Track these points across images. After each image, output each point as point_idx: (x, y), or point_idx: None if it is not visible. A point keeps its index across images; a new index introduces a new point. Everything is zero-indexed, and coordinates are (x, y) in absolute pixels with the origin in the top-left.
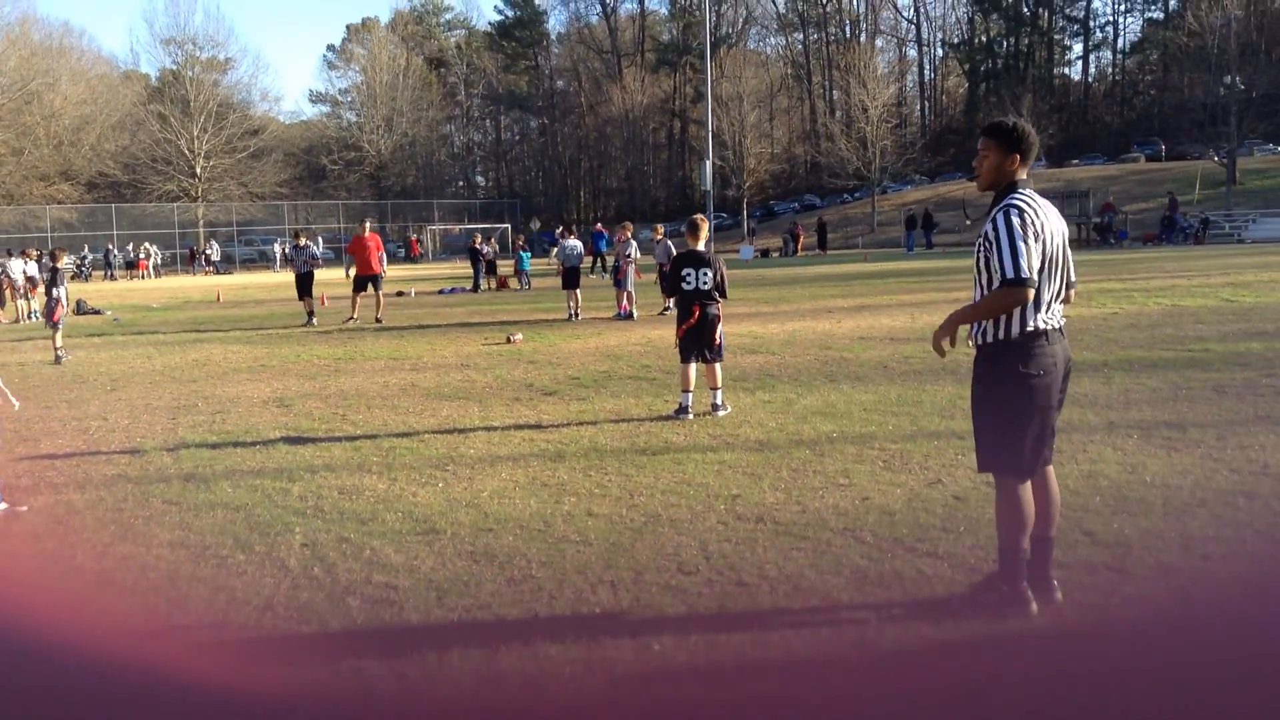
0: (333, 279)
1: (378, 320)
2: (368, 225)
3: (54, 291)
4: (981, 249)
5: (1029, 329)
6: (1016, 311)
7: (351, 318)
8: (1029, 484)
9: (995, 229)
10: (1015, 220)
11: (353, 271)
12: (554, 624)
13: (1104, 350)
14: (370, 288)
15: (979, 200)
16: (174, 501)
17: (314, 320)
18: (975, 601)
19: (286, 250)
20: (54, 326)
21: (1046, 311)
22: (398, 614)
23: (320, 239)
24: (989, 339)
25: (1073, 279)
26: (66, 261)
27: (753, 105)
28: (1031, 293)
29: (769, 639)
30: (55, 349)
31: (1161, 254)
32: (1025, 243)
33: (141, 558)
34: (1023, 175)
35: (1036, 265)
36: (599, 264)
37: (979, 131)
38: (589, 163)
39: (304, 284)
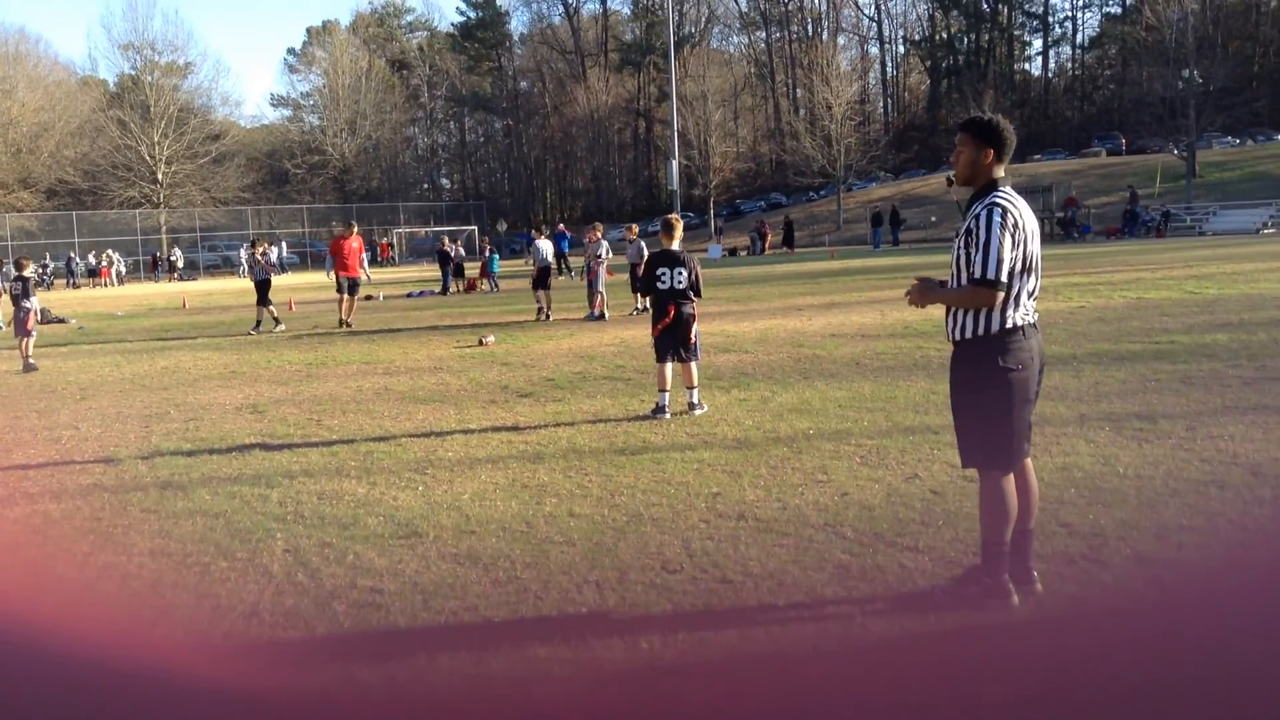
0: (303, 282)
1: (345, 324)
2: (354, 229)
3: (24, 302)
4: (962, 243)
5: (1007, 325)
6: (997, 310)
7: (346, 323)
8: (1011, 478)
9: (978, 225)
10: (997, 220)
11: (333, 274)
12: (541, 625)
13: (1072, 344)
14: (348, 291)
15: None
16: (152, 510)
17: (280, 326)
18: (958, 594)
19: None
20: (26, 335)
21: (1025, 305)
22: (385, 618)
23: (285, 244)
24: (967, 335)
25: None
26: (30, 270)
27: (717, 104)
28: (1000, 296)
29: (755, 635)
30: (25, 358)
31: (1124, 247)
32: (1003, 245)
33: (123, 566)
34: (1000, 172)
35: (1010, 268)
36: (563, 265)
37: (956, 126)
38: (555, 164)
39: (262, 291)
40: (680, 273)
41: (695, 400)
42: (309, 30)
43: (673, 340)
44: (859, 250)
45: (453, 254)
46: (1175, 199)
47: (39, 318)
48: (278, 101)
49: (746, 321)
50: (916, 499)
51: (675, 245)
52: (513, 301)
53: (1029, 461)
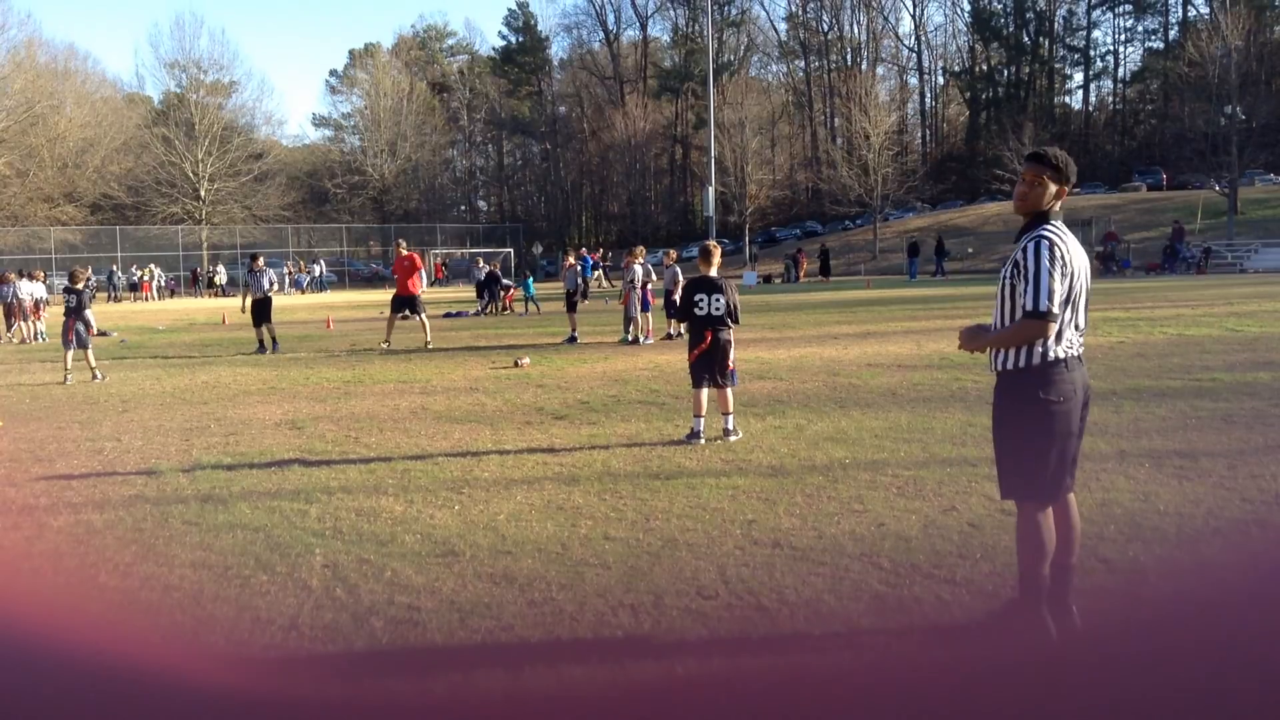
0: (342, 301)
1: (426, 345)
2: (403, 245)
3: (85, 314)
4: (1009, 276)
5: (1049, 357)
6: (1040, 342)
7: (384, 342)
8: (1049, 511)
9: (1026, 258)
10: (1046, 252)
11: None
12: (577, 646)
13: (1112, 379)
14: (408, 311)
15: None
16: (193, 522)
17: (275, 348)
18: (995, 627)
19: (244, 275)
20: (83, 347)
21: (1071, 338)
22: (422, 635)
23: (323, 262)
24: (1009, 366)
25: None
26: (83, 283)
27: (754, 132)
28: (1054, 327)
29: (791, 663)
30: (91, 367)
31: (1164, 283)
32: (1053, 276)
33: (165, 577)
34: (1057, 206)
35: (1061, 299)
36: (584, 290)
37: (1025, 158)
38: (591, 188)
39: (261, 310)
40: (718, 299)
41: (730, 426)
42: (351, 52)
43: (709, 366)
44: (895, 280)
45: (499, 276)
46: (1217, 235)
47: (89, 330)
48: (319, 122)
49: (782, 349)
50: (954, 531)
51: (713, 271)
52: (548, 324)
53: (1072, 496)
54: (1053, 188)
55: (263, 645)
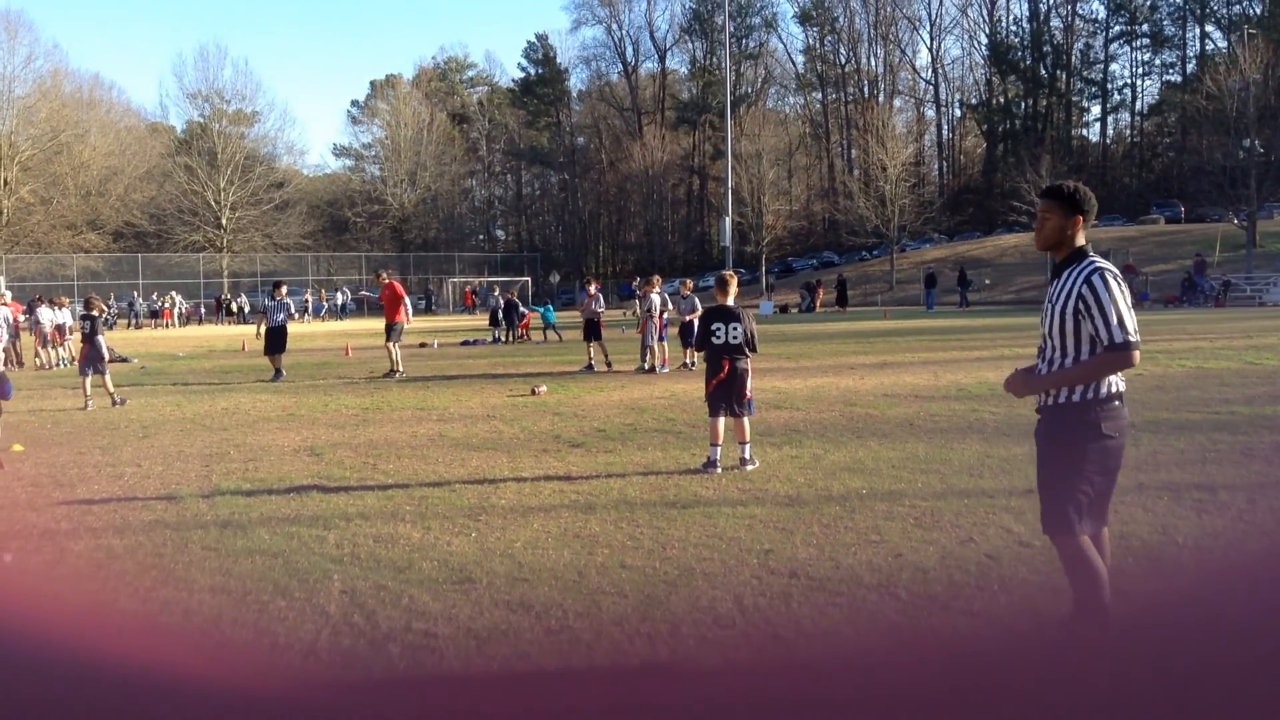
0: (360, 328)
1: (391, 373)
2: (384, 274)
3: (96, 339)
4: (1072, 313)
5: (1112, 390)
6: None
7: (398, 370)
8: (1089, 539)
9: (1094, 292)
10: (1113, 283)
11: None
12: (593, 675)
13: (1131, 411)
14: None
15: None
16: (212, 547)
17: (277, 377)
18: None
19: (309, 300)
20: (99, 373)
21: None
22: (439, 662)
23: (346, 289)
24: (1072, 399)
25: None
26: (98, 310)
27: (771, 163)
28: (1138, 356)
29: (809, 693)
30: (110, 392)
31: (1183, 316)
32: (1129, 306)
33: (184, 602)
34: (1084, 238)
35: (1135, 326)
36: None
37: (1039, 194)
38: (608, 217)
39: (275, 340)
40: (735, 328)
41: (747, 456)
42: (372, 83)
43: (726, 395)
44: (912, 311)
45: (517, 304)
46: (1235, 268)
47: (105, 355)
48: (340, 151)
49: (798, 379)
50: (971, 563)
51: (730, 301)
52: (565, 352)
53: (1106, 531)
54: (1063, 219)
55: (281, 670)
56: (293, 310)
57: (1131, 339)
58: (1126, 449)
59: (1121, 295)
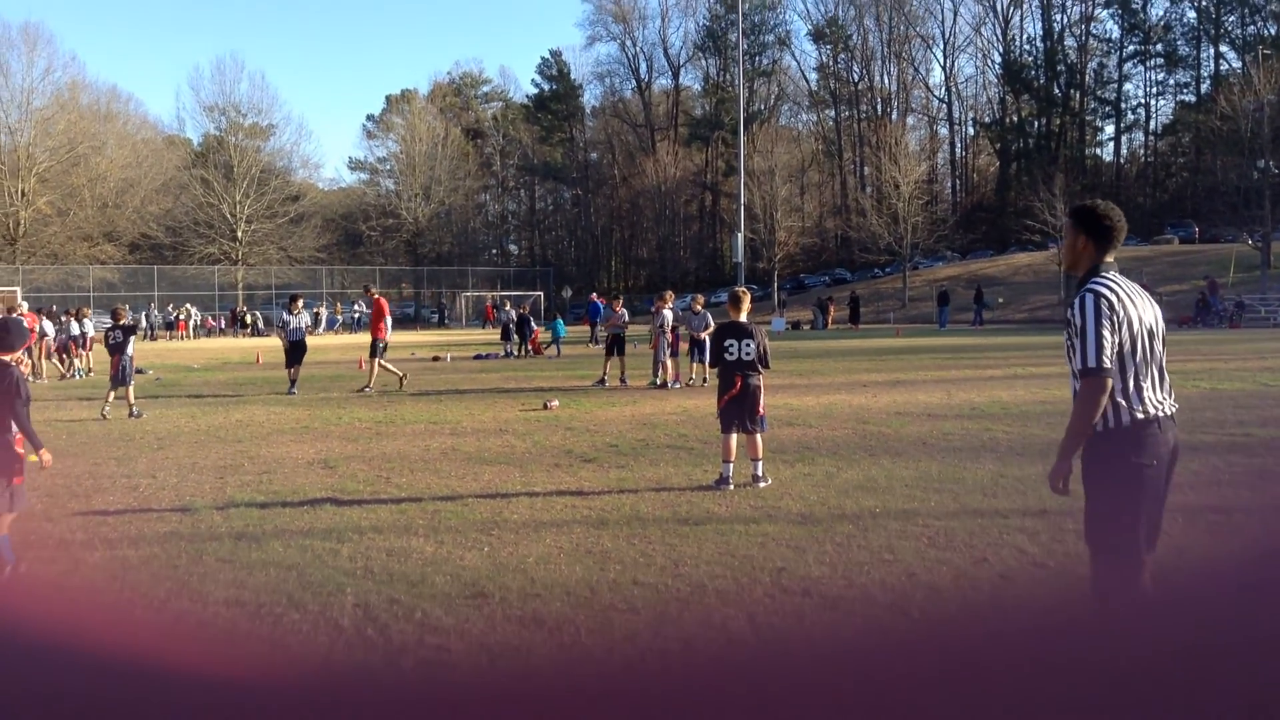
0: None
1: (364, 389)
2: (372, 289)
3: (127, 350)
4: (1066, 335)
5: (1139, 416)
6: (1121, 400)
7: (401, 381)
8: (1139, 572)
9: (1074, 314)
10: (1090, 307)
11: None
12: (606, 692)
13: None
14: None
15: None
16: (227, 559)
17: (291, 390)
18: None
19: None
20: (124, 384)
21: (1155, 396)
22: (452, 676)
23: (361, 303)
24: (1100, 428)
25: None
26: (126, 319)
27: (784, 179)
28: (1109, 381)
29: (822, 712)
30: (130, 404)
31: (1197, 337)
32: (1101, 330)
33: (199, 614)
34: (1106, 259)
35: (1111, 353)
36: (594, 334)
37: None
38: (621, 233)
39: (294, 352)
40: (748, 344)
41: (760, 473)
42: (388, 98)
43: (739, 411)
44: (925, 329)
45: (530, 320)
46: (1250, 289)
47: (129, 366)
48: (355, 165)
49: (810, 396)
50: (985, 583)
51: (743, 317)
52: (576, 367)
53: (1148, 559)
54: (1074, 238)
55: (295, 683)
56: (308, 324)
57: (1091, 364)
58: None
59: (1099, 318)
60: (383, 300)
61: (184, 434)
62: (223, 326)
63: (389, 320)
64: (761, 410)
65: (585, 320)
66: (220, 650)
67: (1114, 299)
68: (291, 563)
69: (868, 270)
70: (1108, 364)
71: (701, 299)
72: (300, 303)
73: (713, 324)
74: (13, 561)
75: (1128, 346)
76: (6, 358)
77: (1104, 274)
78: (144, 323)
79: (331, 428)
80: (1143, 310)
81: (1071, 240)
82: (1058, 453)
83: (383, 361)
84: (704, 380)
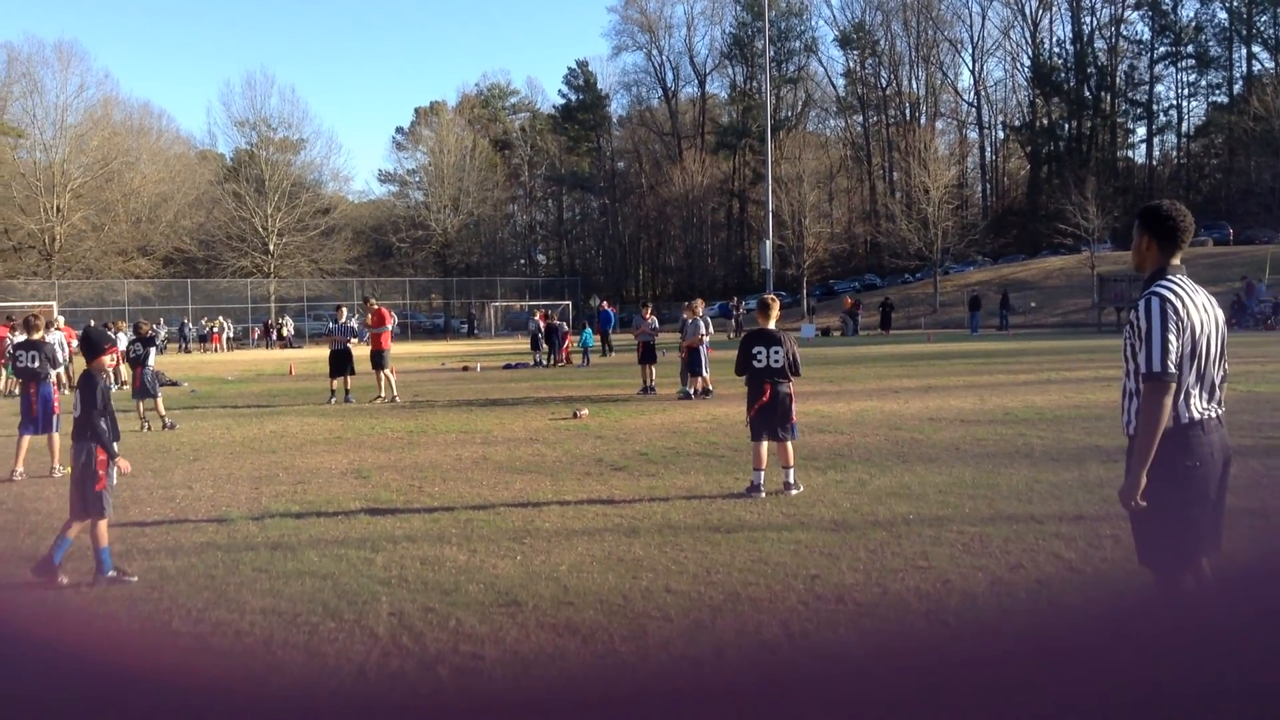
0: (404, 352)
1: (375, 399)
2: (373, 301)
3: (149, 363)
4: (1127, 337)
5: (1183, 420)
6: (1168, 403)
7: (391, 396)
8: (1190, 573)
9: (1138, 316)
10: (1156, 310)
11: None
12: (641, 699)
13: None
14: (373, 367)
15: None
16: (263, 569)
17: (348, 399)
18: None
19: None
20: (151, 395)
21: (1201, 401)
22: (487, 684)
23: (395, 315)
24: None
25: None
26: (147, 332)
27: (812, 185)
28: (1173, 386)
29: (857, 718)
30: (161, 416)
31: (1233, 339)
32: (1167, 334)
33: (236, 623)
34: (1173, 260)
35: (1176, 357)
36: (605, 345)
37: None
38: (649, 241)
39: (340, 362)
40: (777, 351)
41: (791, 480)
42: (417, 110)
43: (769, 419)
44: (956, 334)
45: (560, 328)
46: None
47: (153, 378)
48: (385, 178)
49: (841, 402)
50: (1021, 589)
51: (772, 324)
52: (605, 375)
53: (1205, 561)
54: (1138, 238)
55: (331, 692)
56: (355, 331)
57: (1156, 369)
58: None
59: (1165, 322)
60: (384, 310)
61: (219, 445)
62: (254, 338)
63: (390, 327)
64: (793, 418)
65: (596, 329)
66: (258, 659)
67: (1179, 303)
68: (326, 572)
69: (898, 275)
70: (1172, 369)
71: (700, 304)
72: (344, 312)
73: (706, 332)
74: (107, 573)
75: (1186, 350)
76: (92, 366)
77: (1170, 276)
78: (179, 336)
79: (364, 438)
80: (1204, 315)
81: (1137, 241)
82: (1127, 467)
83: (386, 372)
84: (705, 390)
